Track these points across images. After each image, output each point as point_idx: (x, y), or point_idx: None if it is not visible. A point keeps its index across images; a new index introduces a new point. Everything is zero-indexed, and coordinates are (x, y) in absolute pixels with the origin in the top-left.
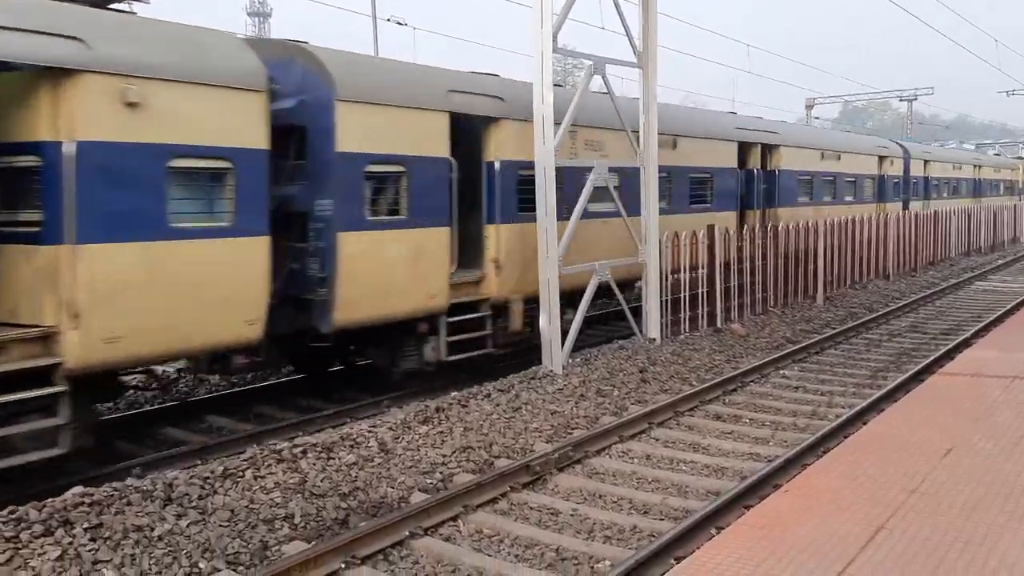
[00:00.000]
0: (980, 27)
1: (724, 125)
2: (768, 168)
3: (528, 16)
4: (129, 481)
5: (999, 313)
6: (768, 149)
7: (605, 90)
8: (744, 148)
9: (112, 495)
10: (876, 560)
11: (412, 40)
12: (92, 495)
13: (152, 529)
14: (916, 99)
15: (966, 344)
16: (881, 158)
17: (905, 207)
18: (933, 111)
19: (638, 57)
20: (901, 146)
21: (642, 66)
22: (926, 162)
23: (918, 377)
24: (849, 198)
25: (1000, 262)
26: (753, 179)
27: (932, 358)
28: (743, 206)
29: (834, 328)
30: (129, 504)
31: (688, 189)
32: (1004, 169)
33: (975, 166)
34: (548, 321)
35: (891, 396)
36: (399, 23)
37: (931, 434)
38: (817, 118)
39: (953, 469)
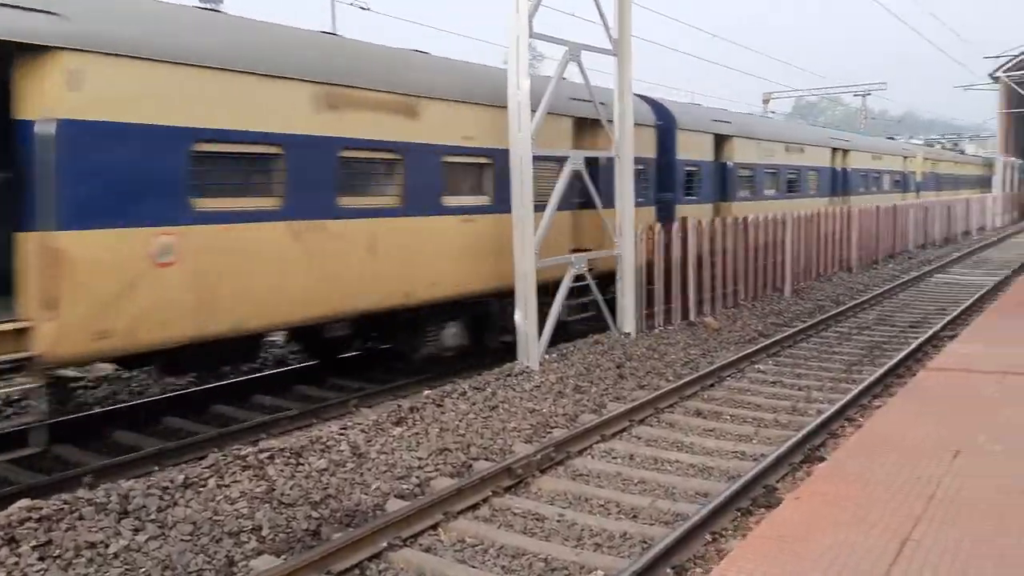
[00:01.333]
0: (940, 20)
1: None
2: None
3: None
4: (80, 493)
5: (964, 306)
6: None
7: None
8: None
9: (62, 509)
10: None
11: (376, 26)
12: (40, 509)
13: (107, 546)
14: (869, 94)
15: (936, 337)
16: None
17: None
18: (882, 107)
19: (613, 44)
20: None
21: (617, 53)
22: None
23: (894, 372)
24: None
25: (956, 255)
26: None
27: (905, 352)
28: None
29: (804, 321)
30: (81, 518)
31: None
32: (887, 156)
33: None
34: (524, 316)
35: (870, 391)
36: (362, 8)
37: (935, 434)
38: (773, 112)
39: (967, 473)
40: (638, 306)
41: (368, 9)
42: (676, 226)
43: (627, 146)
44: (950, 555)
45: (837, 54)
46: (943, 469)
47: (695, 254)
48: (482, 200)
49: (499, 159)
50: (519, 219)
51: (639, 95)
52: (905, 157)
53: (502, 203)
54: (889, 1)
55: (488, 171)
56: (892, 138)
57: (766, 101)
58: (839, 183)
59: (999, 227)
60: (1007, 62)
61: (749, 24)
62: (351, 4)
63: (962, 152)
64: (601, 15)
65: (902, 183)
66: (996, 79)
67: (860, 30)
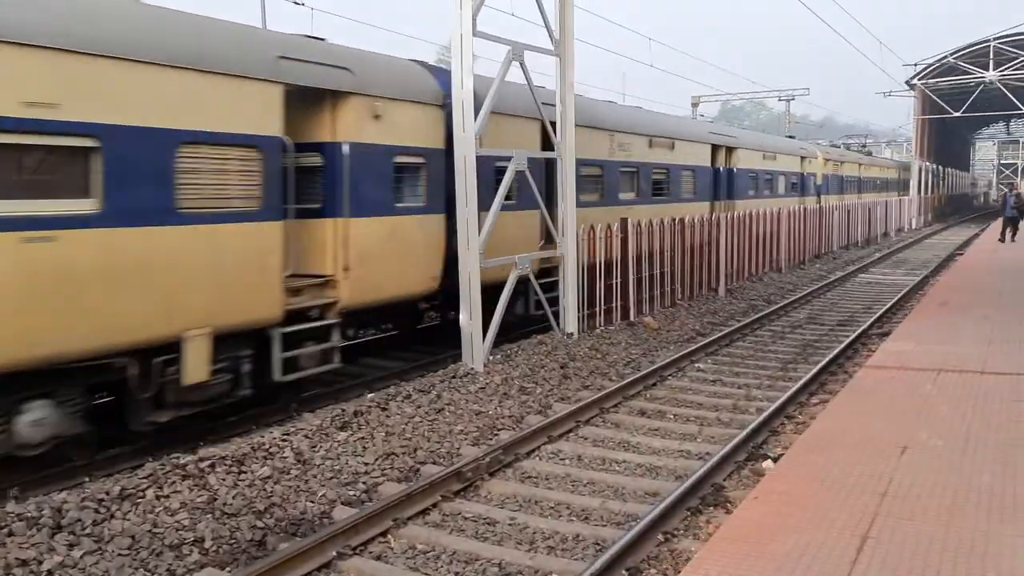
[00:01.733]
0: (864, 27)
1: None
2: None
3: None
4: (9, 507)
5: (889, 305)
6: None
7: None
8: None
9: None
10: (873, 574)
11: (310, 21)
12: None
13: (40, 563)
14: (793, 99)
15: (865, 335)
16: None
17: None
18: (804, 112)
19: (555, 45)
20: None
21: (559, 54)
22: None
23: (827, 369)
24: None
25: (877, 255)
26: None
27: (837, 351)
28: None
29: (739, 320)
30: (11, 535)
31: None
32: (782, 156)
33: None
34: (469, 316)
35: (807, 389)
36: (296, 2)
37: (879, 431)
38: (702, 115)
39: (915, 469)
40: (580, 306)
41: (302, 4)
42: (617, 226)
43: (568, 146)
44: (909, 551)
45: (764, 59)
46: (892, 465)
47: (634, 254)
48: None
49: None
50: (464, 219)
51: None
52: (803, 158)
53: (120, 212)
54: (817, 6)
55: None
56: (792, 137)
57: (695, 104)
58: (722, 186)
59: (915, 228)
60: (923, 70)
61: (681, 26)
62: None
63: (869, 154)
64: (543, 15)
65: (800, 186)
66: (912, 86)
67: (786, 41)
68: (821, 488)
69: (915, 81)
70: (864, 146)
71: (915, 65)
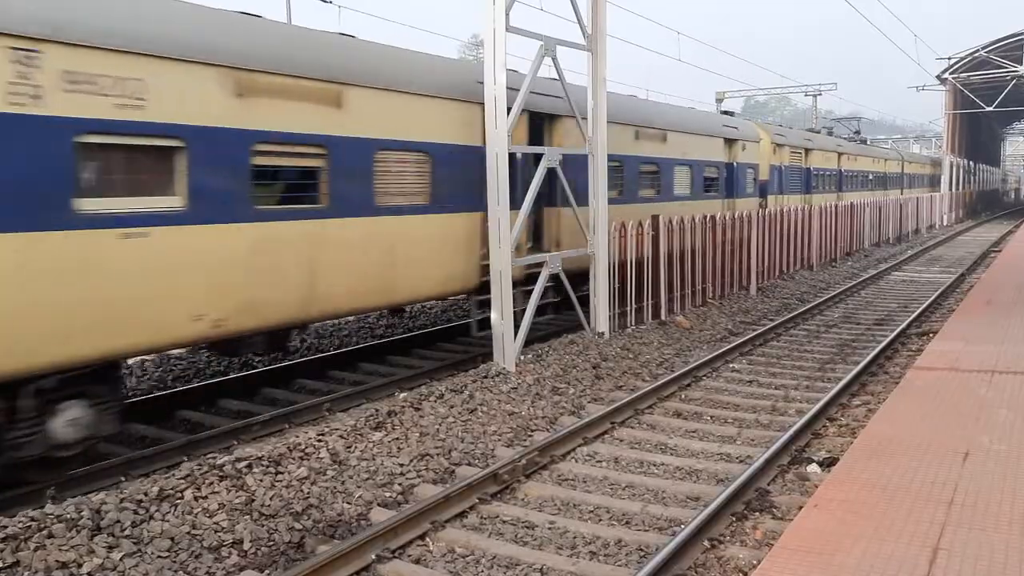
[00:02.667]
0: (898, 18)
1: None
2: None
3: None
4: (49, 508)
5: (926, 304)
6: None
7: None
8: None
9: (30, 526)
10: None
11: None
12: (4, 527)
13: (80, 565)
14: (820, 94)
15: (904, 335)
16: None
17: None
18: (830, 107)
19: (587, 40)
20: None
21: (591, 49)
22: None
23: (868, 370)
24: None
25: (910, 253)
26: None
27: (876, 351)
28: None
29: (772, 319)
30: (51, 536)
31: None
32: (688, 136)
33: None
34: (500, 316)
35: (847, 390)
36: (324, 0)
37: (938, 436)
38: (728, 111)
39: (981, 476)
40: (611, 306)
41: (329, 2)
42: (648, 224)
43: (600, 142)
44: (985, 564)
45: (790, 53)
46: (956, 472)
47: (666, 252)
48: None
49: None
50: (495, 217)
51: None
52: (733, 140)
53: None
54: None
55: None
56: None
57: (720, 100)
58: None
59: (947, 225)
60: (954, 64)
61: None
62: None
63: (864, 142)
64: (576, 11)
65: (720, 183)
66: (943, 80)
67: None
68: (883, 496)
69: (946, 75)
70: (858, 132)
71: (948, 59)
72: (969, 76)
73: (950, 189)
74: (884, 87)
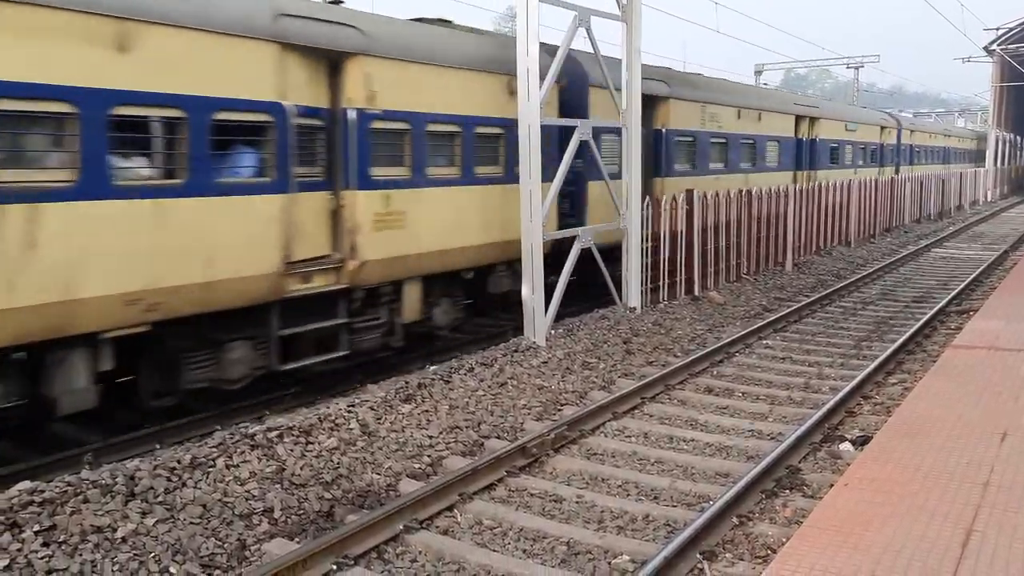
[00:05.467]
0: None
1: None
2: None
3: None
4: (84, 474)
5: (967, 281)
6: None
7: None
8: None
9: (66, 491)
10: (982, 573)
11: None
12: (42, 492)
13: (114, 530)
14: (862, 66)
15: (943, 312)
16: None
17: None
18: (870, 80)
19: (622, 10)
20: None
21: (626, 20)
22: None
23: (905, 348)
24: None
25: (951, 229)
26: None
27: (914, 328)
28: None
29: (808, 296)
30: (86, 501)
31: None
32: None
33: None
34: (531, 290)
35: (883, 368)
36: None
37: (976, 416)
38: (765, 84)
39: (1017, 457)
40: (643, 280)
41: None
42: (682, 198)
43: (634, 115)
44: (1020, 546)
45: (830, 23)
46: (992, 452)
47: (700, 227)
48: None
49: None
50: (527, 190)
51: None
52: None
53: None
54: None
55: None
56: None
57: (758, 73)
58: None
59: (991, 201)
60: (1003, 35)
61: None
62: None
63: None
64: None
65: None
66: (991, 52)
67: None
68: (917, 476)
69: (994, 46)
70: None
71: (996, 29)
72: (1018, 48)
73: (995, 164)
74: (929, 59)
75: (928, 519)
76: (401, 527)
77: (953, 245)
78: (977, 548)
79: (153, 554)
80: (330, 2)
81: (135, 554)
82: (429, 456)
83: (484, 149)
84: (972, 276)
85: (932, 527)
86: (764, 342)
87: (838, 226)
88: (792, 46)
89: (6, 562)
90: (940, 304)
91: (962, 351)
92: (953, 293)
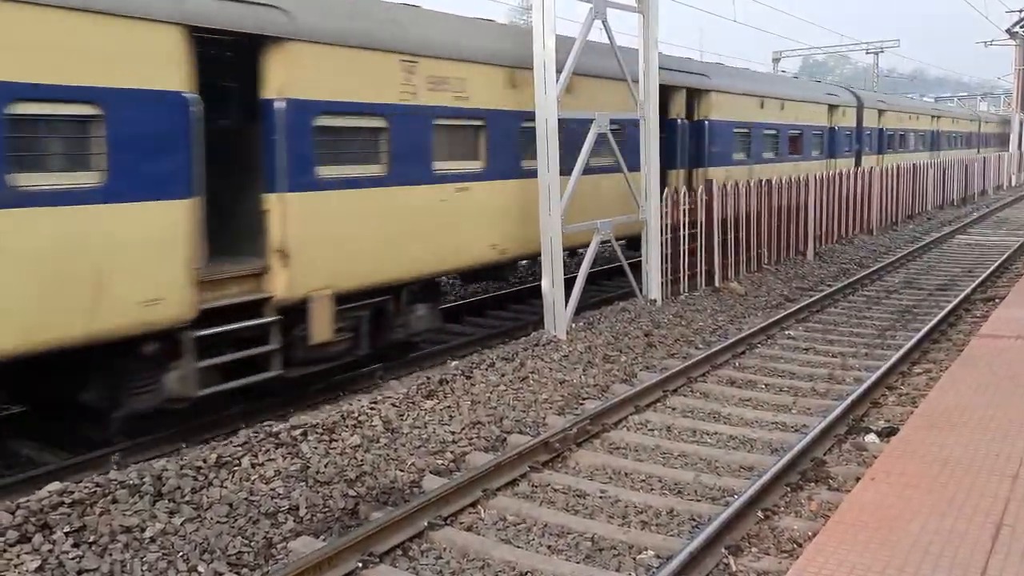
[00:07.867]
0: None
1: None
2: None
3: None
4: (113, 475)
5: (992, 268)
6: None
7: None
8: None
9: (95, 492)
10: (1012, 567)
11: None
12: (72, 493)
13: (143, 530)
14: (882, 51)
15: (968, 301)
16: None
17: None
18: (890, 65)
19: (638, 1)
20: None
21: (642, 11)
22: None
23: (929, 337)
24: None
25: (976, 215)
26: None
27: (939, 317)
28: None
29: (830, 285)
30: (115, 502)
31: None
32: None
33: None
34: (551, 284)
35: (908, 358)
36: None
37: (1003, 407)
38: (783, 71)
39: None
40: (664, 272)
41: None
42: (701, 189)
43: (652, 107)
44: None
45: (849, 8)
46: (1021, 445)
47: (719, 218)
48: None
49: None
50: (545, 184)
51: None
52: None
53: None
54: None
55: None
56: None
57: (776, 60)
58: None
59: (1015, 186)
60: None
61: None
62: None
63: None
64: None
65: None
66: (1014, 35)
67: None
68: (945, 469)
69: (1017, 28)
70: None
71: (1019, 11)
72: None
73: (1019, 149)
74: (950, 42)
75: (957, 513)
76: (425, 524)
77: (977, 231)
78: (1007, 542)
79: (181, 553)
80: None
81: (163, 553)
82: (452, 452)
83: None
84: (997, 263)
85: (961, 521)
86: (787, 332)
87: (860, 214)
88: (811, 33)
89: (38, 563)
90: (965, 292)
91: (988, 340)
92: (978, 280)
